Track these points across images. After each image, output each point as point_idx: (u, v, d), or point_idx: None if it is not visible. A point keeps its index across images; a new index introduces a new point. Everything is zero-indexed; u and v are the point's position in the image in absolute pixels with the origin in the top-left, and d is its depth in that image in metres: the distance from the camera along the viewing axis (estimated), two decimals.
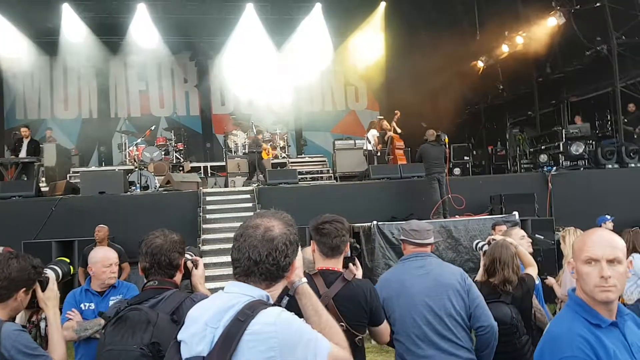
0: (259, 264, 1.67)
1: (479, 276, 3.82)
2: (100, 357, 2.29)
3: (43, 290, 2.52)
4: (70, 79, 17.89)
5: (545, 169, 11.38)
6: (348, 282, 2.70)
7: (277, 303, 2.99)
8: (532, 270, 3.94)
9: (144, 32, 16.25)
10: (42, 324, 2.56)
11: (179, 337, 1.73)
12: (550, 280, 5.04)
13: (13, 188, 10.26)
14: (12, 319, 2.46)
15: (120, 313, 2.29)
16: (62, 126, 17.46)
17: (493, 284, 3.60)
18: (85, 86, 18.04)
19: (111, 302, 3.61)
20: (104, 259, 3.66)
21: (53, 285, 2.58)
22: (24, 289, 2.40)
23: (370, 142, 13.14)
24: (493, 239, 3.93)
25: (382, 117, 14.30)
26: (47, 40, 16.35)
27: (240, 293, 1.68)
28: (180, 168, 14.25)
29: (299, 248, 1.80)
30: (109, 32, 16.51)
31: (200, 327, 1.67)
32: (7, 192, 10.05)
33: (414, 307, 3.07)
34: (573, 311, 1.95)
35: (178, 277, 2.50)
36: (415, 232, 3.25)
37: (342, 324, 2.56)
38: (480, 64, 15.52)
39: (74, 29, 15.96)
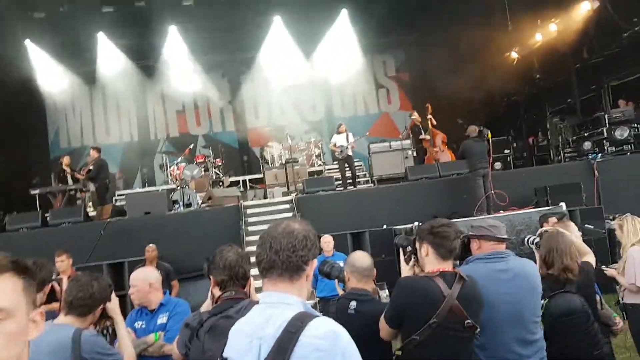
0: (279, 253, 1.73)
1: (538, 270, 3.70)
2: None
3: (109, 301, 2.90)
4: (109, 105, 18.45)
5: (590, 157, 11.07)
6: (465, 280, 2.70)
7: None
8: (590, 257, 3.91)
9: (176, 53, 16.65)
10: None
11: (225, 354, 1.76)
12: (612, 271, 4.75)
13: (62, 215, 10.66)
14: None
15: (208, 322, 2.51)
16: (104, 151, 17.84)
17: (554, 276, 3.45)
18: (125, 111, 18.55)
19: (159, 320, 3.71)
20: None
21: (114, 296, 2.93)
22: (101, 305, 2.79)
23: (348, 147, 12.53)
24: (545, 231, 3.85)
25: (413, 115, 13.89)
26: (85, 70, 16.92)
27: (276, 302, 1.72)
28: (220, 183, 14.47)
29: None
30: (143, 56, 17.01)
31: (244, 340, 1.71)
32: (57, 220, 10.47)
33: (498, 317, 2.91)
34: None
35: (247, 288, 2.70)
36: (494, 227, 3.13)
37: (468, 321, 2.61)
38: (514, 55, 15.22)
39: (109, 56, 16.48)
